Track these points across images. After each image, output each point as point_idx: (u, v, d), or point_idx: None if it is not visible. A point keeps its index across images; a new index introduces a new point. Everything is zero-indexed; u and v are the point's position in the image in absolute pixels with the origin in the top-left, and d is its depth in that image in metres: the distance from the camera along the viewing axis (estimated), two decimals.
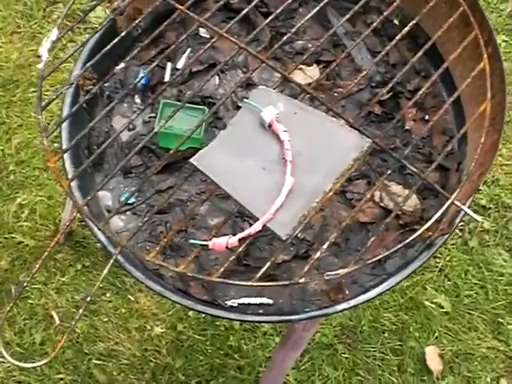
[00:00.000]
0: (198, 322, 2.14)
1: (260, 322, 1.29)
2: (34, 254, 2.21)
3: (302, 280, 1.09)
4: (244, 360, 2.08)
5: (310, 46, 1.63)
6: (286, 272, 1.38)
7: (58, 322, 2.11)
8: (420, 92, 1.31)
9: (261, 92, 1.26)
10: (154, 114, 1.55)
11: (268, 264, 1.12)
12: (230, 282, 1.09)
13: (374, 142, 1.19)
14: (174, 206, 1.46)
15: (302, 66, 1.56)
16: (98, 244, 2.12)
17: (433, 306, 2.17)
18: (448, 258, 2.23)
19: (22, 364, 1.14)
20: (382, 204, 1.45)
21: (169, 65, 1.59)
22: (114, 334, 2.12)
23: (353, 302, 1.28)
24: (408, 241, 1.14)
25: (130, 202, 1.47)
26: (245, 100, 1.25)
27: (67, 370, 2.07)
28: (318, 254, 1.12)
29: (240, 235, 1.13)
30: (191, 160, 1.19)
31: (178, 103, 1.50)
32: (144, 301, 2.16)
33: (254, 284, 1.07)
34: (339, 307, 1.28)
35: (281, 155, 1.18)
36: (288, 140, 1.17)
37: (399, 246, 1.13)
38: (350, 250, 1.42)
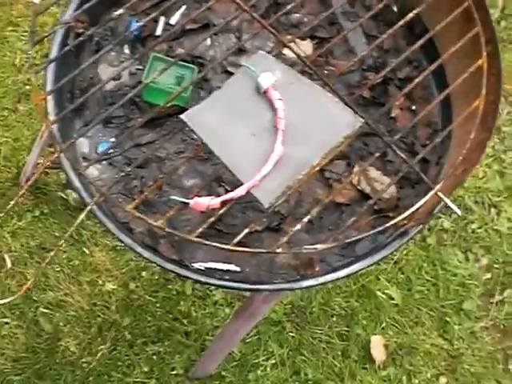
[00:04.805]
0: (151, 283, 2.13)
1: (227, 287, 1.28)
2: None
3: (279, 250, 1.08)
4: (192, 326, 2.08)
5: (305, 20, 1.62)
6: (257, 242, 1.38)
7: (9, 265, 2.08)
8: (412, 85, 1.31)
9: (260, 57, 1.25)
10: (141, 67, 1.52)
11: (246, 230, 1.12)
12: (209, 243, 1.08)
13: (367, 122, 1.19)
14: (151, 162, 1.44)
15: (296, 40, 1.54)
16: (67, 191, 2.14)
17: (384, 296, 2.19)
18: (405, 252, 2.25)
19: None
20: (358, 187, 1.45)
21: (162, 19, 1.57)
22: (65, 284, 2.10)
23: (321, 280, 1.28)
24: (387, 225, 1.14)
25: (105, 151, 1.44)
26: (243, 63, 1.23)
27: (13, 315, 2.05)
28: (298, 227, 1.11)
29: (222, 198, 1.12)
30: (182, 116, 1.18)
31: (169, 58, 1.48)
32: (99, 255, 2.14)
33: (232, 248, 1.07)
34: (307, 283, 1.28)
35: (272, 123, 1.17)
36: (282, 109, 1.16)
37: (378, 229, 1.14)
38: (321, 228, 1.42)
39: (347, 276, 1.30)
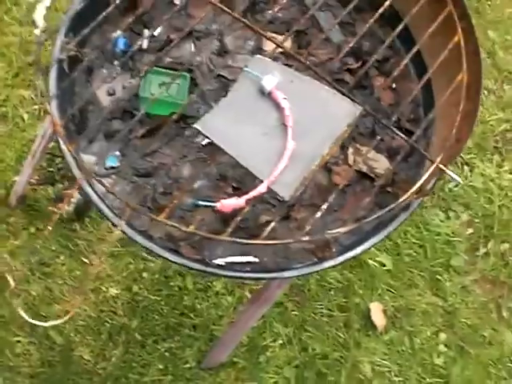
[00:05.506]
0: (153, 282, 2.19)
1: (256, 278, 1.36)
2: None
3: (305, 238, 1.16)
4: (198, 319, 2.15)
5: (280, 15, 1.69)
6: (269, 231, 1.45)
7: (13, 284, 2.12)
8: (393, 75, 1.39)
9: (258, 61, 1.32)
10: (133, 80, 1.58)
11: (272, 224, 1.19)
12: (240, 240, 1.16)
13: (365, 109, 1.27)
14: (158, 170, 1.51)
15: (274, 35, 1.61)
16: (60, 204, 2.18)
17: (375, 264, 2.28)
18: None
19: (40, 323, 1.17)
20: (355, 167, 1.53)
21: (146, 32, 1.63)
22: (70, 296, 2.15)
23: (340, 259, 1.36)
24: (399, 202, 1.23)
25: (114, 165, 1.51)
26: (245, 68, 1.30)
27: (24, 333, 2.09)
28: (319, 214, 1.20)
29: (247, 196, 1.20)
30: (195, 125, 1.25)
31: (163, 70, 1.54)
32: (99, 263, 2.19)
33: (263, 242, 1.14)
34: (327, 264, 1.36)
35: (280, 121, 1.25)
36: (288, 107, 1.24)
37: (391, 206, 1.22)
38: (328, 211, 1.49)
39: (362, 252, 1.39)
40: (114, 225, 1.31)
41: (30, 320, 1.16)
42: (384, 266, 2.29)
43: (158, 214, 1.39)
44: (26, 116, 2.34)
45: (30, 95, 2.36)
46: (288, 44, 1.64)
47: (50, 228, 1.15)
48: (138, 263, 2.20)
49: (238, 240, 1.15)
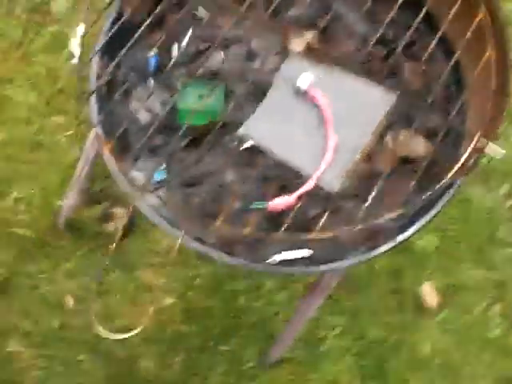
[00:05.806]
0: (206, 288, 2.22)
1: (313, 271, 1.39)
2: (36, 245, 2.25)
3: (359, 227, 1.19)
4: (254, 317, 2.19)
5: (302, 12, 1.72)
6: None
7: (72, 305, 2.18)
8: (423, 58, 1.42)
9: (290, 61, 1.36)
10: (169, 95, 1.62)
11: (325, 216, 1.22)
12: (296, 236, 1.19)
13: (400, 94, 1.30)
14: (204, 178, 1.54)
15: (301, 33, 1.64)
16: (105, 224, 2.24)
17: (422, 244, 2.29)
18: None
19: (115, 336, 1.21)
20: (396, 153, 1.55)
21: (175, 46, 1.67)
22: (127, 309, 2.19)
23: (392, 243, 1.39)
24: (444, 181, 1.25)
25: (162, 179, 1.55)
26: (279, 70, 1.34)
27: (87, 351, 2.14)
28: (369, 201, 1.23)
29: (297, 193, 1.23)
30: (239, 130, 1.29)
31: (198, 81, 1.58)
32: (150, 274, 2.23)
33: (320, 235, 1.18)
34: (382, 249, 1.39)
35: (320, 117, 1.29)
36: (327, 102, 1.28)
37: (437, 186, 1.25)
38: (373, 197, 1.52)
39: (413, 234, 1.42)
40: (174, 237, 1.34)
41: (109, 334, 1.19)
42: (431, 245, 2.30)
43: (210, 220, 1.44)
44: (62, 141, 2.39)
45: (64, 121, 2.41)
46: (315, 40, 1.67)
47: (113, 247, 1.17)
48: (189, 270, 2.24)
49: (297, 237, 1.18)
